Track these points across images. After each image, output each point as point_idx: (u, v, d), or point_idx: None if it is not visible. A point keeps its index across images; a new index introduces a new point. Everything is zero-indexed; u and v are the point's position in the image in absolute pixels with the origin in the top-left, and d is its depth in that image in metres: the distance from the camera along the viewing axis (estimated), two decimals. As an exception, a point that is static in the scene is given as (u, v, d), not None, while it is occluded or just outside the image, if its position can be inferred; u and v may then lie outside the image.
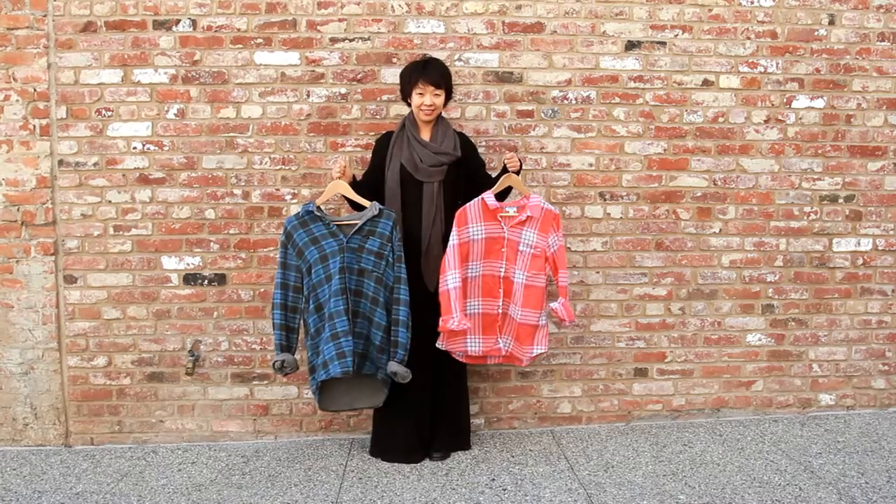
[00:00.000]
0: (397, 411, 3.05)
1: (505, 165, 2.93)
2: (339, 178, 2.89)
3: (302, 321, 2.89)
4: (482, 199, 2.89)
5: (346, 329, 2.76)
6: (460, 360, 2.99)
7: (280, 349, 2.84)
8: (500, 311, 2.95)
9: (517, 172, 2.93)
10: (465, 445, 3.17)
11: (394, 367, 2.82)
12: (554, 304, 2.93)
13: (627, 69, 3.34)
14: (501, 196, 2.98)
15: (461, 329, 2.84)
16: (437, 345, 2.93)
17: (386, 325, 2.84)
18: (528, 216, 2.91)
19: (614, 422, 3.49)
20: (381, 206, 2.86)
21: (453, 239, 2.87)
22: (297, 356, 2.90)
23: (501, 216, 2.91)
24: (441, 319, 2.85)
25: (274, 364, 2.83)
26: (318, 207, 2.87)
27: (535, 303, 2.94)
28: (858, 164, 3.49)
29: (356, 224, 2.84)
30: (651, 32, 3.34)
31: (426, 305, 2.93)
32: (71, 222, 3.25)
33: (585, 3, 3.30)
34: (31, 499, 2.78)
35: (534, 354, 2.99)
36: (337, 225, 2.85)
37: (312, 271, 2.81)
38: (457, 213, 2.88)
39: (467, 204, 2.90)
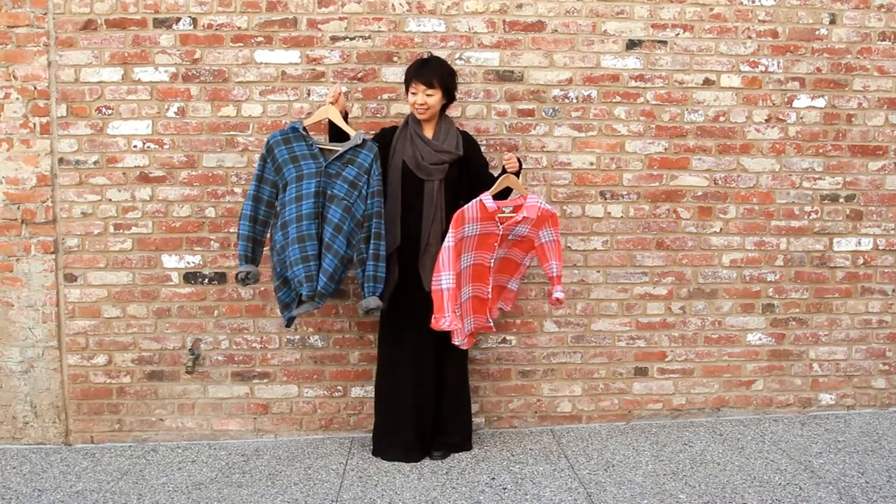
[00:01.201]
0: (399, 410, 3.05)
1: (504, 167, 2.93)
2: (332, 104, 2.88)
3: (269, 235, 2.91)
4: (480, 200, 2.88)
5: (315, 253, 2.78)
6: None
7: (245, 260, 2.84)
8: (490, 295, 3.03)
9: (516, 174, 2.93)
10: (466, 446, 3.16)
11: (374, 301, 2.83)
12: (557, 294, 3.01)
13: (628, 68, 3.34)
14: (501, 196, 2.98)
15: (452, 329, 2.84)
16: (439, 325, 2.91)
17: (343, 254, 2.82)
18: (524, 217, 2.91)
19: (614, 421, 3.49)
20: (366, 137, 2.86)
21: (449, 240, 2.85)
22: (259, 268, 2.91)
23: (499, 217, 2.91)
24: (433, 317, 2.84)
25: (237, 275, 2.83)
26: (304, 127, 2.86)
27: (508, 270, 3.08)
28: (859, 164, 3.49)
29: (338, 151, 2.83)
30: (652, 31, 3.33)
31: (425, 304, 2.93)
32: (71, 220, 3.24)
33: (586, 2, 3.29)
34: (31, 497, 2.78)
35: (497, 308, 3.13)
36: (319, 148, 2.84)
37: (287, 188, 2.82)
38: (454, 215, 2.88)
39: (465, 206, 2.90)
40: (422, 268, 2.97)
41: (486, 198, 2.88)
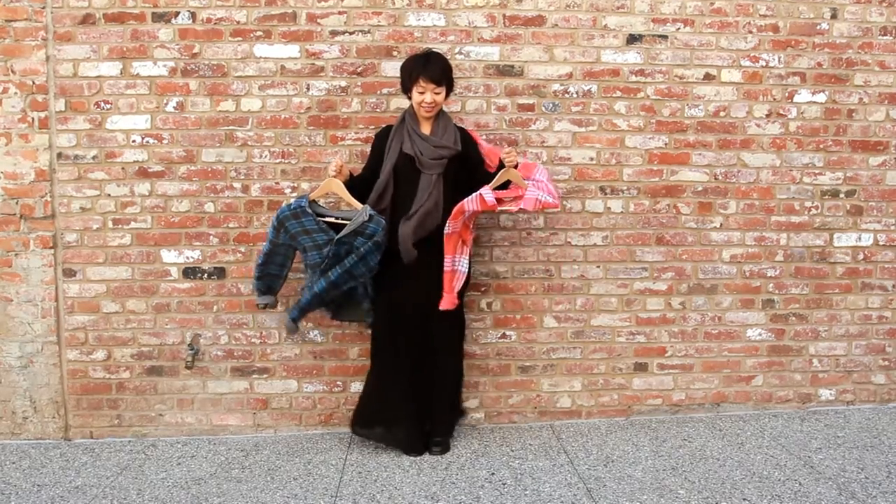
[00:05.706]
0: (401, 403, 3.02)
1: (502, 161, 2.92)
2: (335, 176, 2.88)
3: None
4: (480, 194, 2.87)
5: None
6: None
7: (260, 293, 3.09)
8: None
9: (516, 167, 2.92)
10: (446, 443, 3.10)
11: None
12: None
13: (629, 63, 3.33)
14: (501, 188, 2.97)
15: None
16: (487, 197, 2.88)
17: (333, 280, 2.94)
18: (520, 208, 2.93)
19: (614, 416, 3.49)
20: (372, 213, 2.86)
21: (447, 229, 2.90)
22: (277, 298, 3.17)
23: (500, 210, 2.92)
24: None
25: (258, 305, 3.17)
26: (311, 203, 2.91)
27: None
28: (860, 159, 3.48)
29: (345, 226, 2.86)
30: (653, 26, 3.32)
31: (422, 295, 2.92)
32: (70, 216, 3.24)
33: (587, -3, 3.29)
34: (31, 492, 2.78)
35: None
36: (327, 223, 2.90)
37: (308, 254, 2.95)
38: (455, 208, 2.87)
39: (465, 199, 2.89)
40: (402, 227, 2.90)
41: (486, 191, 2.87)
